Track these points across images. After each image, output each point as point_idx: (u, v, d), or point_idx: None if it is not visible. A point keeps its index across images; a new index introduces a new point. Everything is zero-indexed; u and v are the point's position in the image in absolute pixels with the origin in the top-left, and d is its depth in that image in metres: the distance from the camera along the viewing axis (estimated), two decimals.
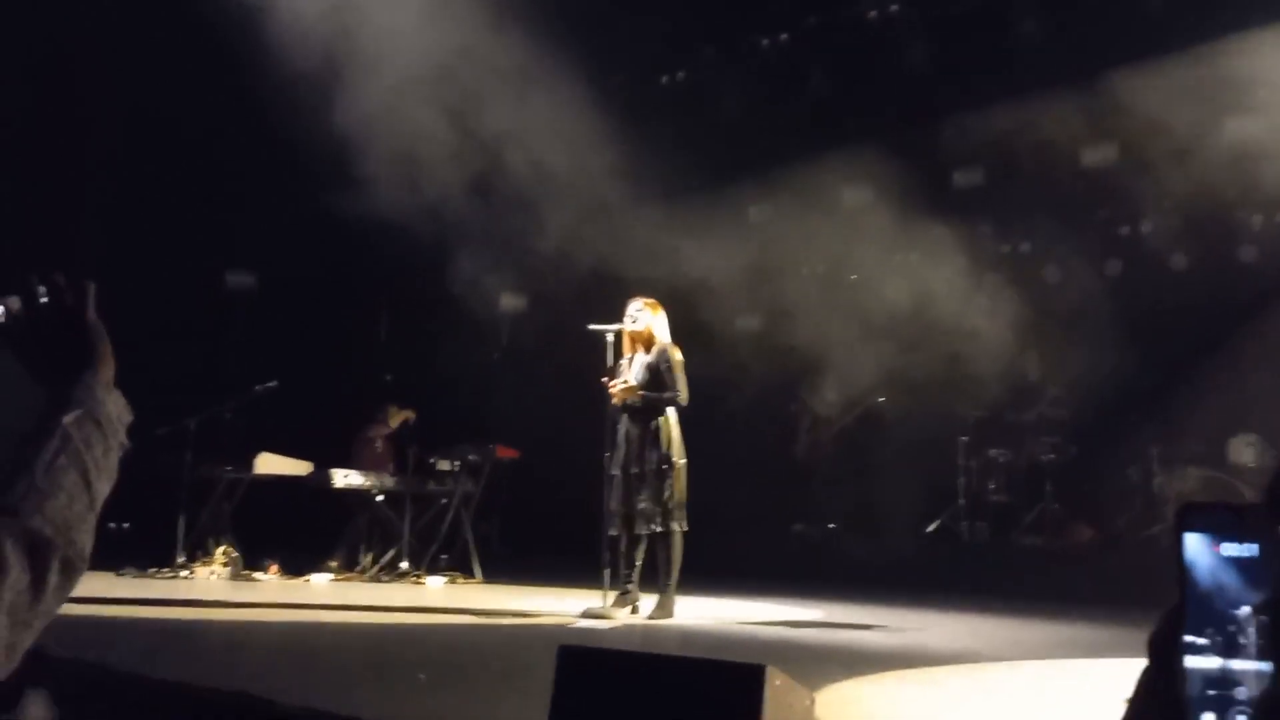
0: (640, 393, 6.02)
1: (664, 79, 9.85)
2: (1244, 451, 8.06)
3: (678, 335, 9.67)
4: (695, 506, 10.17)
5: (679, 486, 5.96)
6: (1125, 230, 9.13)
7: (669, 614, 5.99)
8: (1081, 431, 8.92)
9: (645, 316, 6.25)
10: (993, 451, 9.03)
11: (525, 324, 10.98)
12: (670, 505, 5.92)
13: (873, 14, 8.74)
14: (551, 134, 9.04)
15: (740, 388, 10.31)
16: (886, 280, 9.67)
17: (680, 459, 5.98)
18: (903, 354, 9.60)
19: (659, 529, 5.96)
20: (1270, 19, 7.66)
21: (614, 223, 9.79)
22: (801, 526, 9.63)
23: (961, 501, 9.08)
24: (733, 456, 10.24)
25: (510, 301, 10.91)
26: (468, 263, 9.92)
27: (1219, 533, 0.98)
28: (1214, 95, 7.89)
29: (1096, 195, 9.04)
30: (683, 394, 6.02)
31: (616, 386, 6.06)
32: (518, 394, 10.09)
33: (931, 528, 9.10)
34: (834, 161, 9.34)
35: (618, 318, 6.30)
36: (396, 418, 9.26)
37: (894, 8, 8.67)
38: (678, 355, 6.14)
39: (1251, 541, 0.97)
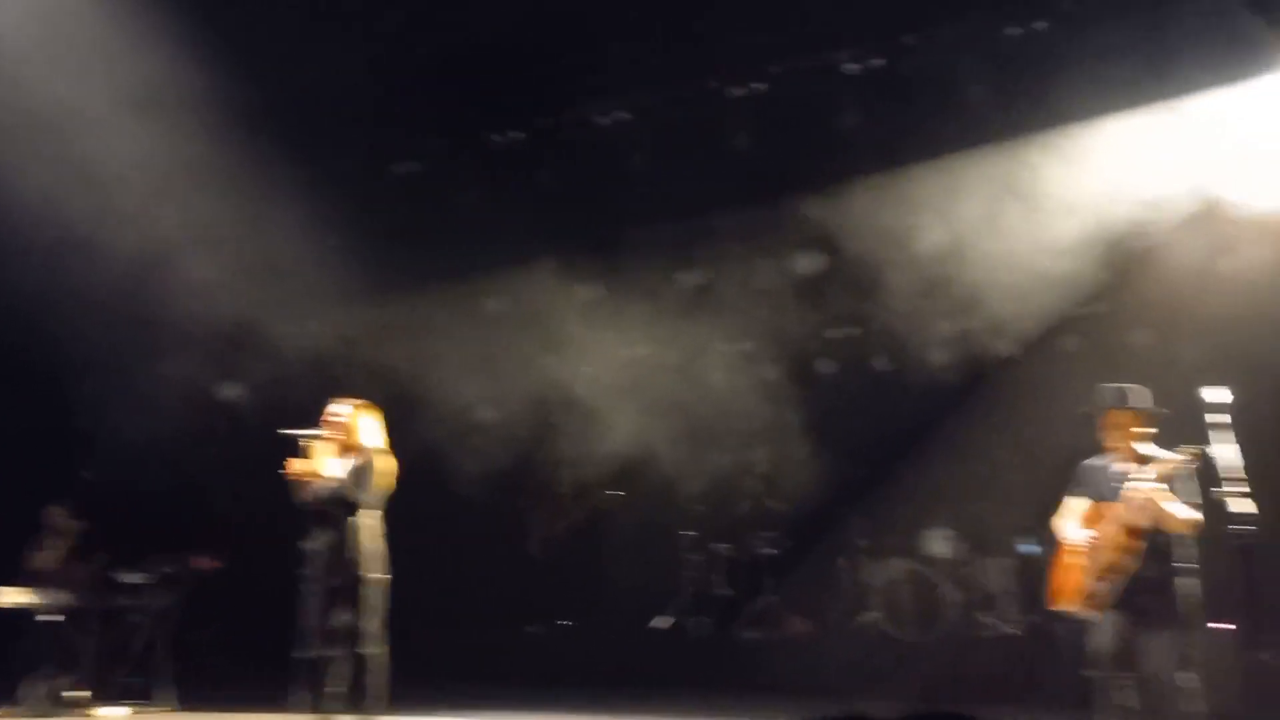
0: (323, 480, 5.66)
1: (396, 168, 9.63)
2: (939, 544, 8.60)
3: (407, 431, 9.41)
4: (426, 610, 9.82)
5: (377, 603, 5.64)
6: (834, 333, 9.65)
7: None
8: (798, 525, 9.27)
9: (349, 420, 5.93)
10: (716, 545, 9.21)
11: (248, 420, 10.27)
12: (369, 624, 5.59)
13: (599, 118, 8.94)
14: (274, 222, 8.63)
15: (474, 483, 10.07)
16: (618, 375, 9.77)
17: (377, 574, 5.66)
18: (634, 448, 9.70)
19: (358, 650, 5.60)
20: (956, 148, 8.33)
21: (342, 314, 9.42)
22: (534, 627, 9.42)
23: (688, 595, 9.18)
24: (464, 555, 9.97)
25: (231, 392, 10.21)
26: (178, 354, 9.22)
27: None
28: (909, 212, 8.51)
29: (808, 299, 9.51)
30: (364, 496, 5.69)
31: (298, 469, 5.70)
32: (235, 495, 9.38)
33: (659, 623, 9.13)
34: (566, 258, 9.40)
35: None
36: (64, 524, 8.28)
37: (621, 114, 8.91)
38: (381, 462, 5.84)
39: None
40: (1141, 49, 7.32)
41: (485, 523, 10.01)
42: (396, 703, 7.19)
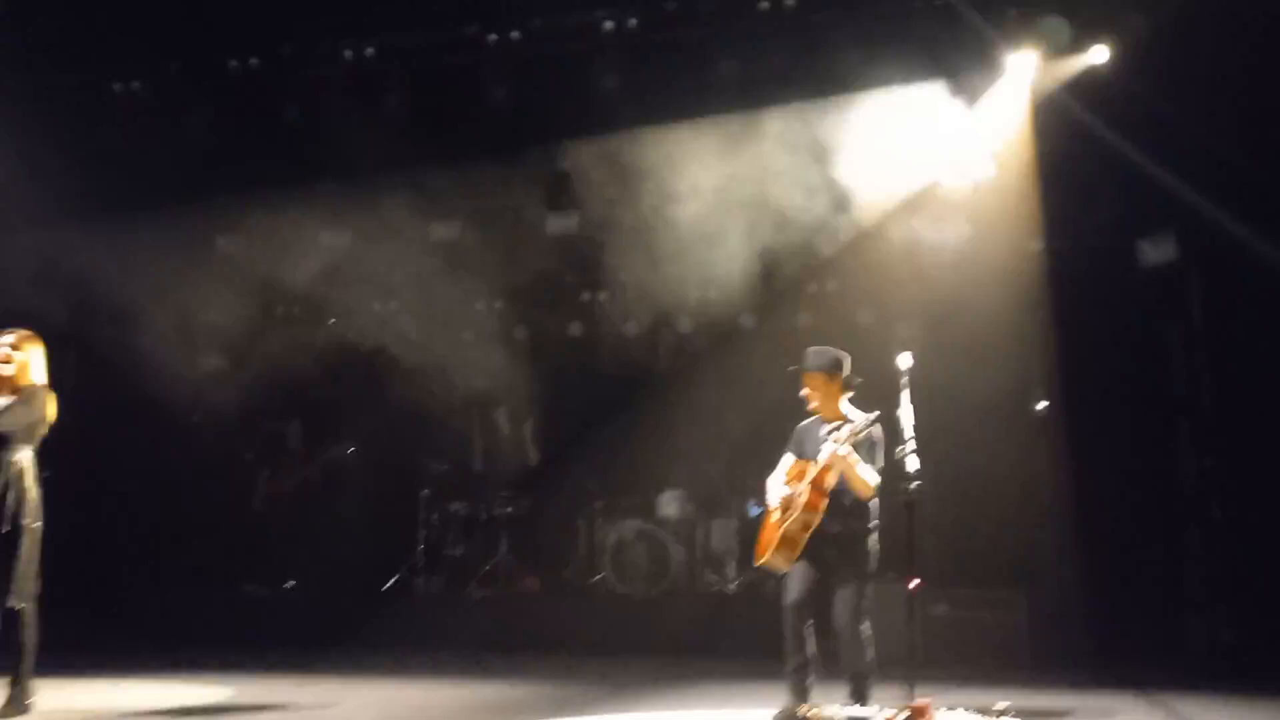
0: None
1: (117, 86, 8.77)
2: (670, 505, 8.80)
3: (119, 369, 8.65)
4: (136, 565, 9.11)
5: (33, 553, 5.11)
6: (587, 296, 9.66)
7: (21, 710, 5.12)
8: (537, 485, 9.25)
9: (20, 356, 5.33)
10: (453, 505, 9.04)
11: None
12: (19, 576, 5.05)
13: (348, 53, 8.49)
14: None
15: (197, 433, 9.43)
16: (360, 325, 9.40)
17: (35, 521, 5.13)
18: (372, 402, 9.38)
19: (9, 604, 5.06)
20: (705, 116, 8.42)
21: (44, 236, 8.52)
22: (253, 586, 8.93)
23: (420, 554, 8.97)
24: (183, 509, 9.35)
25: None
26: None
27: None
28: (660, 178, 8.57)
29: (563, 261, 9.46)
30: (25, 434, 5.15)
31: None
32: None
33: (389, 584, 8.89)
34: (308, 197, 8.88)
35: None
36: None
37: (369, 51, 8.49)
38: (42, 401, 5.27)
39: None
40: (879, 36, 7.66)
41: (208, 473, 9.42)
42: (81, 662, 6.66)
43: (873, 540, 5.08)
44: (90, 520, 8.91)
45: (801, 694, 5.02)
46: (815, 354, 5.24)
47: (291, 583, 9.03)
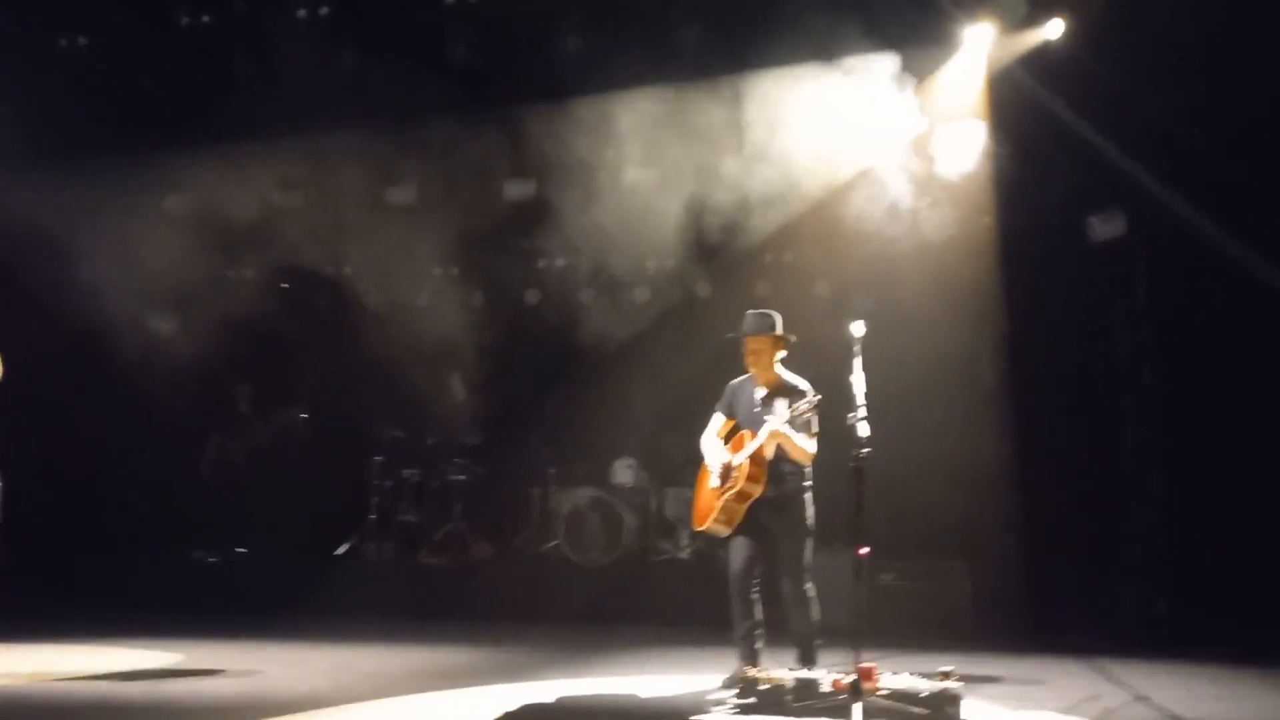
0: None
1: (63, 41, 8.52)
2: (624, 473, 8.85)
3: (75, 330, 8.48)
4: (82, 530, 8.96)
5: None
6: (543, 263, 9.61)
7: None
8: (491, 452, 9.23)
9: None
10: (406, 471, 9.00)
11: None
12: None
13: (301, 12, 8.31)
14: None
15: (148, 396, 9.26)
16: (312, 290, 9.28)
17: None
18: (324, 368, 9.28)
19: None
20: (666, 84, 8.38)
21: None
22: (202, 553, 8.84)
23: (372, 520, 8.92)
24: (131, 473, 9.21)
25: None
26: None
27: None
28: (616, 145, 8.51)
29: (520, 227, 9.37)
30: None
31: None
32: None
33: (340, 550, 8.84)
34: (259, 156, 8.70)
35: None
36: None
37: (324, 10, 8.33)
38: None
39: None
40: (838, 7, 7.63)
41: (157, 436, 9.27)
42: (26, 628, 6.57)
43: (808, 499, 5.16)
44: (36, 485, 8.74)
45: (751, 658, 5.10)
46: (756, 317, 5.28)
47: (243, 549, 8.94)
